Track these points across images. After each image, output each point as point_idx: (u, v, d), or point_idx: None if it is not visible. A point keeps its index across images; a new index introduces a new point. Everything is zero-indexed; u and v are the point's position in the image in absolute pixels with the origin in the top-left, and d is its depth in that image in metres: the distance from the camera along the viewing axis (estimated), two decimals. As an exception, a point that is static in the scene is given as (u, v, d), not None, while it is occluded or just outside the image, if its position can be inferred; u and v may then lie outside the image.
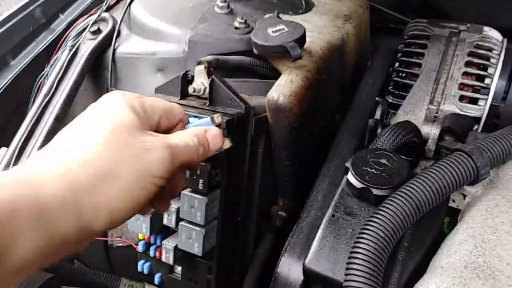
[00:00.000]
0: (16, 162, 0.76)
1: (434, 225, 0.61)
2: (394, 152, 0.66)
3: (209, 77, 0.78)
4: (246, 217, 0.86)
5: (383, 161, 0.64)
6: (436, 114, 0.83)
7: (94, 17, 0.98)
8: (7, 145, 0.88)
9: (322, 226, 0.63)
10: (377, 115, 0.80)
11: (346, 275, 0.53)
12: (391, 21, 1.19)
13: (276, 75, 0.89)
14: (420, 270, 0.57)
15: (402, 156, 0.67)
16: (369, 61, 1.10)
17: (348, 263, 0.54)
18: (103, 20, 1.01)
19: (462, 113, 0.81)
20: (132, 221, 0.78)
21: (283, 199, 0.97)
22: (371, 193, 0.62)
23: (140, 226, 0.78)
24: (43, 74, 0.96)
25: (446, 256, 0.54)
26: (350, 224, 0.62)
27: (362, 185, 0.62)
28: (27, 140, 0.79)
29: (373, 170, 0.63)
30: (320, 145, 0.94)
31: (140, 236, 0.83)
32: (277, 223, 0.94)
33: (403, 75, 0.89)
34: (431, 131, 0.82)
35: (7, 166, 0.75)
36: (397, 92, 0.87)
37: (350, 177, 0.63)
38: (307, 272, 0.60)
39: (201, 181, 0.71)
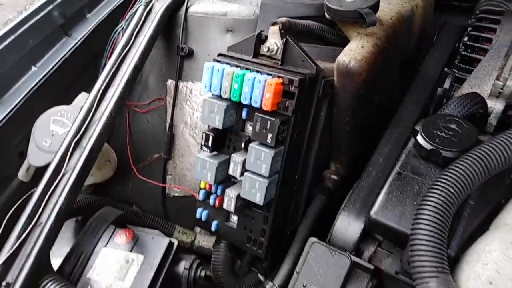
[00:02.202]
0: (97, 107, 0.82)
1: (500, 188, 0.63)
2: (464, 119, 0.68)
3: (282, 38, 0.81)
4: (302, 175, 0.91)
5: (453, 126, 0.67)
6: (501, 90, 0.83)
7: (168, -24, 1.02)
8: (85, 90, 0.95)
9: (388, 182, 0.66)
10: (446, 85, 0.81)
11: (413, 224, 0.57)
12: (455, -1, 1.18)
13: (342, 42, 0.91)
14: (482, 228, 0.60)
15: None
16: (430, 36, 1.10)
17: (416, 214, 0.57)
18: (176, -21, 1.04)
19: (529, 90, 0.81)
20: (198, 170, 0.83)
21: (336, 164, 1.00)
22: (440, 155, 0.64)
23: (205, 175, 0.83)
24: (118, 28, 1.01)
25: (511, 216, 0.57)
26: (416, 182, 0.65)
27: (431, 147, 0.64)
28: (107, 87, 0.85)
29: (443, 134, 0.66)
30: (377, 116, 0.96)
31: (202, 185, 0.88)
32: (329, 185, 0.98)
33: (472, 49, 0.89)
34: (494, 106, 0.83)
35: (89, 111, 0.81)
36: (464, 66, 0.88)
37: (420, 138, 0.66)
38: (372, 222, 0.64)
39: (270, 135, 0.75)
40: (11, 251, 0.65)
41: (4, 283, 0.62)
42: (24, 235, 0.66)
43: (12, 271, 0.64)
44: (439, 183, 0.58)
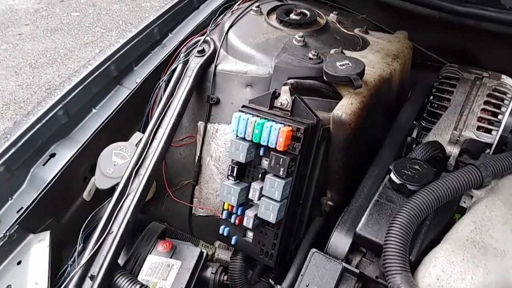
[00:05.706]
0: (150, 144, 1.07)
1: (448, 213, 0.88)
2: (424, 161, 0.93)
3: (291, 95, 1.07)
4: (304, 201, 1.15)
5: (416, 167, 0.92)
6: (458, 138, 1.10)
7: (201, 40, 1.29)
8: (134, 129, 1.20)
9: (369, 207, 0.91)
10: (414, 134, 1.07)
11: (385, 237, 0.81)
12: (428, 60, 1.45)
13: (336, 97, 1.18)
14: (436, 242, 0.84)
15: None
16: (408, 90, 1.37)
17: (387, 231, 0.82)
18: (206, 42, 1.32)
19: (478, 139, 1.08)
20: (224, 194, 1.07)
21: (331, 192, 1.25)
22: (406, 188, 0.89)
23: (230, 198, 1.07)
24: (160, 82, 1.27)
25: (454, 233, 0.81)
26: (389, 207, 0.89)
27: (400, 182, 0.89)
28: (157, 129, 1.10)
29: (409, 172, 0.91)
30: (365, 154, 1.22)
31: (225, 206, 1.12)
32: (326, 209, 1.22)
33: (435, 106, 1.15)
34: (453, 151, 1.09)
35: (144, 147, 1.06)
36: (430, 118, 1.14)
37: (392, 175, 0.91)
38: (357, 236, 0.88)
39: (282, 169, 1.00)
40: (92, 252, 0.88)
41: (89, 274, 0.85)
42: (100, 241, 0.89)
43: (93, 267, 0.87)
44: (404, 209, 0.83)
